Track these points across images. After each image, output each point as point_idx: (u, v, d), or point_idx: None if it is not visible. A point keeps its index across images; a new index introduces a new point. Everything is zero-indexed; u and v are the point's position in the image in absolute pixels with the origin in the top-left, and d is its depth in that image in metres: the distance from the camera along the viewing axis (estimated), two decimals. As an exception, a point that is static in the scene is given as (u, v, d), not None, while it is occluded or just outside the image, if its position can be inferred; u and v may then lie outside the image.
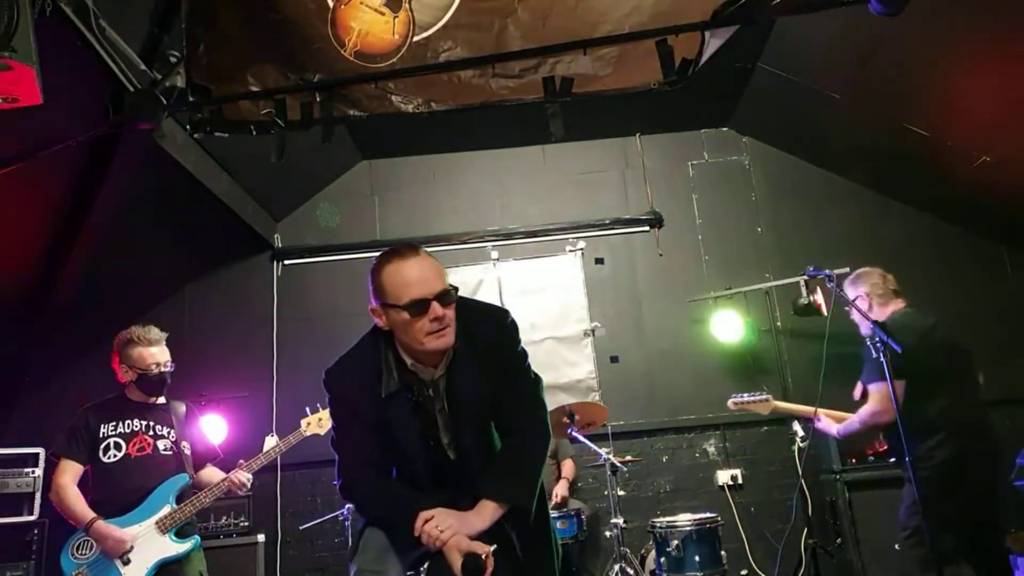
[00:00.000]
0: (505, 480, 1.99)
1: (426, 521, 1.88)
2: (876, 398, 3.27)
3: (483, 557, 1.80)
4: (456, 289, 1.97)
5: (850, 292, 3.57)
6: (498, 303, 5.82)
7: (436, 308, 1.89)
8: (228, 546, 4.65)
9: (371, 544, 2.01)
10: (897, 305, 3.48)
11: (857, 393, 3.49)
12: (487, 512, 1.93)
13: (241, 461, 3.46)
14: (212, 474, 3.51)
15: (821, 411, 3.64)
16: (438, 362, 2.02)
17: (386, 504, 2.01)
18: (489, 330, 2.06)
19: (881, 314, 3.45)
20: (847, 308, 3.55)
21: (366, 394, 2.00)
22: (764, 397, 3.94)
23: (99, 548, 3.11)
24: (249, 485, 3.45)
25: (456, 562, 1.81)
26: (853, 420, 3.40)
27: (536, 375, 2.15)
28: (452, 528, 1.86)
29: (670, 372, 5.64)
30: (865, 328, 3.43)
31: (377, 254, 2.04)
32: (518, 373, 2.09)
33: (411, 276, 1.91)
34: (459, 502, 2.00)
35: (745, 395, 3.97)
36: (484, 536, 1.92)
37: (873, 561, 4.45)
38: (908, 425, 3.08)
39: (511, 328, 2.09)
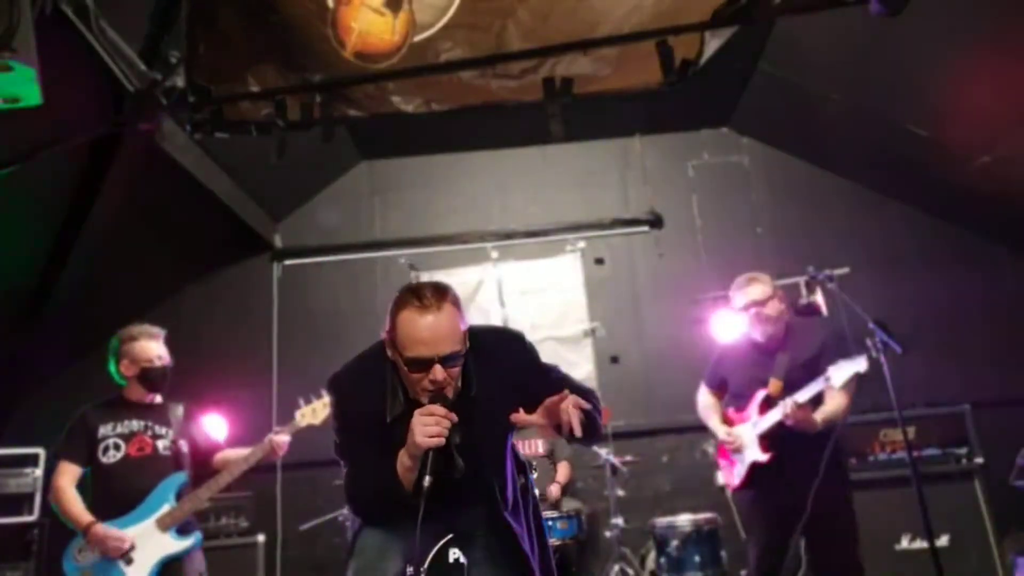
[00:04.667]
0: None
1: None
2: (849, 397, 3.29)
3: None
4: (466, 349, 1.91)
5: (763, 291, 3.49)
6: (498, 303, 5.85)
7: (437, 371, 1.84)
8: (228, 546, 4.64)
9: (368, 545, 2.01)
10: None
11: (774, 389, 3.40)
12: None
13: (276, 428, 3.50)
14: (235, 451, 3.51)
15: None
16: None
17: (381, 501, 1.98)
18: (514, 353, 2.07)
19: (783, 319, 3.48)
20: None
21: (371, 413, 1.97)
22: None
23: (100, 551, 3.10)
24: (286, 448, 3.45)
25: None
26: (834, 412, 3.27)
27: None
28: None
29: (670, 372, 5.62)
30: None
31: (398, 294, 1.94)
32: (560, 377, 2.10)
33: (421, 334, 1.83)
34: (456, 523, 1.99)
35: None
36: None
37: (873, 561, 4.45)
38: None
39: (532, 347, 2.13)
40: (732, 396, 3.67)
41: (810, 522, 3.17)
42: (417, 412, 1.84)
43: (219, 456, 3.51)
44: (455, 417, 1.83)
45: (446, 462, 1.94)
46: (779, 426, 3.28)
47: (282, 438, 3.44)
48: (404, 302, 1.88)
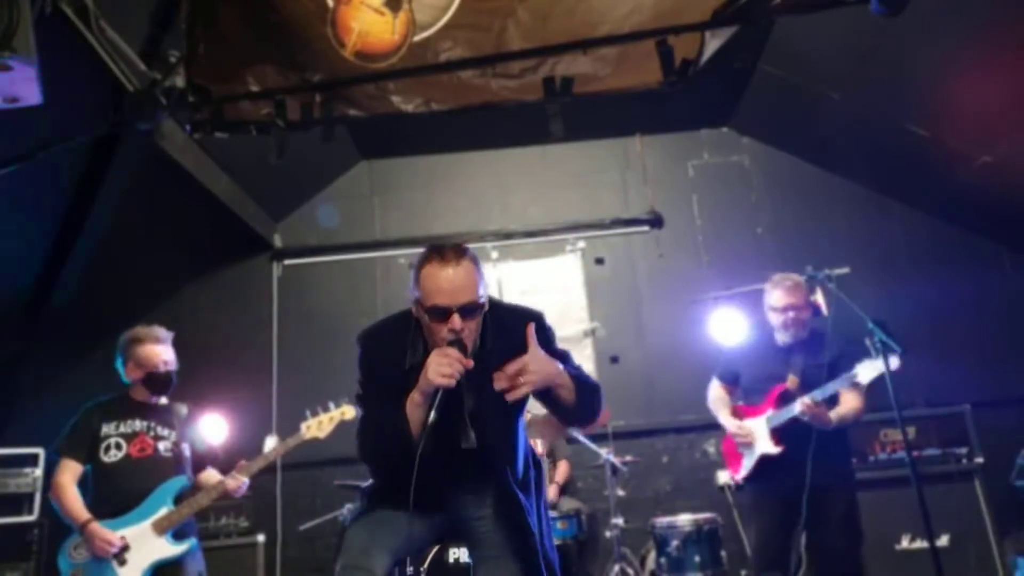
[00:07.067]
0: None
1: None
2: (864, 399, 3.34)
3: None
4: (483, 304, 2.03)
5: (803, 296, 3.54)
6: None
7: (455, 320, 1.96)
8: (228, 546, 4.65)
9: (355, 542, 2.06)
10: None
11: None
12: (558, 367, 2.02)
13: (242, 462, 3.43)
14: (211, 476, 3.50)
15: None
16: None
17: (384, 436, 2.05)
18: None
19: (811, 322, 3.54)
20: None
21: (392, 363, 2.09)
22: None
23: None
24: (244, 490, 3.41)
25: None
26: (848, 412, 3.33)
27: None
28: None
29: (670, 372, 5.63)
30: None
31: (420, 251, 2.09)
32: (565, 361, 2.14)
33: (441, 284, 1.97)
34: (466, 487, 2.08)
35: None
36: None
37: (873, 561, 4.45)
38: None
39: (550, 328, 2.19)
40: (746, 392, 3.71)
41: (814, 521, 3.20)
42: (434, 352, 1.95)
43: (203, 474, 3.50)
44: (470, 363, 1.93)
45: (454, 422, 2.03)
46: (793, 420, 3.33)
47: (235, 482, 3.35)
48: (426, 259, 2.03)
